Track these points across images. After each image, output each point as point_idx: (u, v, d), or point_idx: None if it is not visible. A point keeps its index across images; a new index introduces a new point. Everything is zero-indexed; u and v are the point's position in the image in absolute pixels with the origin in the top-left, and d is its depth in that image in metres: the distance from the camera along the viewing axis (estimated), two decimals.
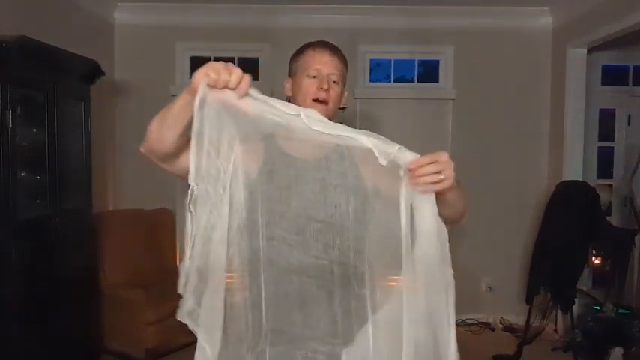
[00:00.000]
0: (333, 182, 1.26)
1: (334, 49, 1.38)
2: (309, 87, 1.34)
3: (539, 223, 3.92)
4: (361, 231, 1.24)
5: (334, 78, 1.35)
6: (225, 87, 1.02)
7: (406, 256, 1.08)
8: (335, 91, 1.35)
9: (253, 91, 1.04)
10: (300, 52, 1.41)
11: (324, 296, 1.23)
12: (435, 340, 1.11)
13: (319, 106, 1.31)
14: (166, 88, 4.38)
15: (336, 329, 1.23)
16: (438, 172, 1.05)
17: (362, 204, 1.25)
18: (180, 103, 1.07)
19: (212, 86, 1.02)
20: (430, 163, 1.06)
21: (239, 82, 1.02)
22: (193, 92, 1.03)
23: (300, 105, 1.26)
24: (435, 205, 1.08)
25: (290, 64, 1.42)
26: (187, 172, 1.10)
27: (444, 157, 1.06)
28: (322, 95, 1.32)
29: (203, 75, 1.02)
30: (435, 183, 1.06)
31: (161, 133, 1.14)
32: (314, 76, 1.34)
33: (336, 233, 1.23)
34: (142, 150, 1.21)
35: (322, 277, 1.23)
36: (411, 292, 1.10)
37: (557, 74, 4.23)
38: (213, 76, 1.01)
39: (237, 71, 1.02)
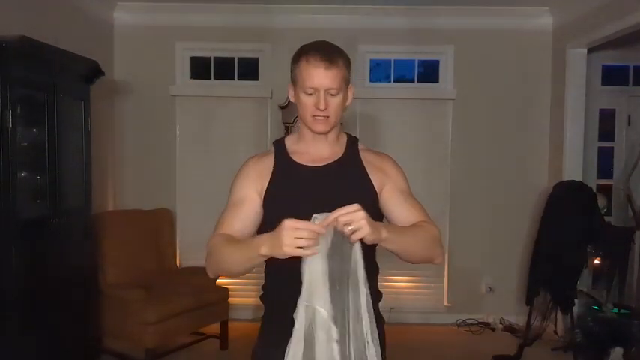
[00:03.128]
0: (343, 185, 1.38)
1: (330, 59, 1.32)
2: (308, 105, 1.35)
3: (539, 223, 3.92)
4: None
5: (332, 92, 1.34)
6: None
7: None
8: (335, 102, 1.35)
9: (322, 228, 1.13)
10: (296, 59, 1.38)
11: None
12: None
13: (320, 121, 1.36)
14: (166, 88, 4.39)
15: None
16: (349, 224, 1.11)
17: (372, 205, 1.35)
18: (254, 260, 1.20)
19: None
20: (336, 217, 1.12)
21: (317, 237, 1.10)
22: (274, 255, 1.14)
23: (302, 120, 1.41)
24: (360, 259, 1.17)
25: (291, 68, 1.40)
26: None
27: (350, 209, 1.11)
28: (320, 113, 1.34)
29: (289, 254, 1.10)
30: (352, 232, 1.12)
31: (229, 272, 1.33)
32: (310, 94, 1.34)
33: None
34: (210, 275, 1.38)
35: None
36: None
37: (557, 74, 4.23)
38: (307, 252, 1.10)
39: (309, 235, 1.09)
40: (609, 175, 4.58)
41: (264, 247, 1.14)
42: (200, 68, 4.52)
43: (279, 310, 1.26)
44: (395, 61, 4.55)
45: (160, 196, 4.32)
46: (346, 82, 1.37)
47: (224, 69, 4.50)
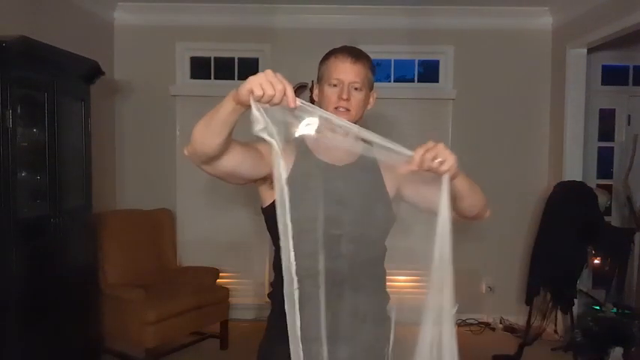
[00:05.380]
0: (359, 189, 1.36)
1: (357, 56, 1.41)
2: (331, 96, 1.38)
3: (538, 223, 3.92)
4: (380, 238, 1.39)
5: (356, 85, 1.38)
6: (270, 102, 1.04)
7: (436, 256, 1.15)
8: (357, 98, 1.39)
9: (298, 101, 1.08)
10: (325, 59, 1.45)
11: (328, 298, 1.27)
12: (440, 337, 1.15)
13: (342, 114, 1.35)
14: (166, 88, 4.38)
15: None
16: (436, 158, 1.13)
17: (385, 211, 1.38)
18: (225, 109, 1.10)
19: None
20: (426, 152, 1.13)
21: (283, 95, 1.04)
22: (238, 101, 1.06)
23: None
24: (449, 205, 1.17)
25: (318, 70, 1.47)
26: (227, 174, 1.26)
27: (429, 144, 1.14)
28: (343, 104, 1.37)
29: (247, 92, 1.04)
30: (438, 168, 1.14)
31: (205, 137, 1.16)
32: (335, 85, 1.38)
33: (357, 238, 1.33)
34: (185, 153, 1.22)
35: (334, 280, 1.29)
36: (433, 291, 1.16)
37: (557, 74, 4.23)
38: (257, 92, 1.02)
39: (279, 86, 1.03)
40: (609, 175, 4.58)
41: (235, 89, 1.08)
42: (200, 68, 4.52)
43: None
44: (395, 61, 4.54)
45: (160, 196, 4.32)
46: (370, 84, 1.43)
47: (224, 69, 4.50)
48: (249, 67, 4.47)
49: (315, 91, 1.47)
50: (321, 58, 1.48)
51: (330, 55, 1.44)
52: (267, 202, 1.39)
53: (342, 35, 4.56)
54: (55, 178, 3.02)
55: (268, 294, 1.46)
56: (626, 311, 3.51)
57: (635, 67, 4.49)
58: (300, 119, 1.10)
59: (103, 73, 3.41)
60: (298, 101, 1.07)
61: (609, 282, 3.78)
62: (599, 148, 4.54)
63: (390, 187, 1.42)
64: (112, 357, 3.56)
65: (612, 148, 4.58)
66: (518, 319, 4.24)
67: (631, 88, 4.52)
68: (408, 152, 1.13)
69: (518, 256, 4.33)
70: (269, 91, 1.02)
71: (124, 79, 4.37)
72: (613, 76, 4.54)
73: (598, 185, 4.39)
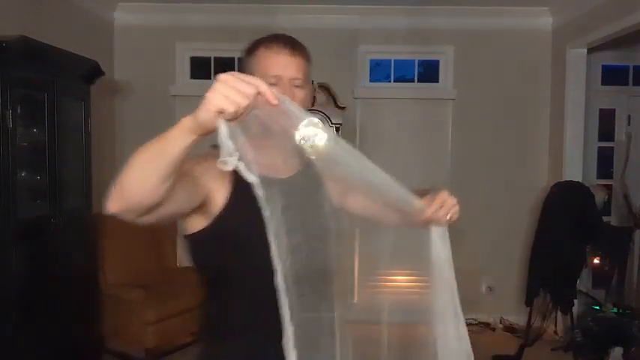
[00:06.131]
0: (306, 200, 1.16)
1: (293, 46, 1.16)
2: None
3: (536, 224, 3.92)
4: (326, 248, 1.17)
5: (298, 82, 1.15)
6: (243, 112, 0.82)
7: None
8: (300, 97, 1.15)
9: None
10: (252, 50, 1.20)
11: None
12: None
13: None
14: (166, 88, 4.38)
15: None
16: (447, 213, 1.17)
17: (332, 221, 1.18)
18: (178, 146, 0.85)
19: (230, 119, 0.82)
20: (441, 206, 1.16)
21: (255, 96, 0.82)
22: (200, 131, 0.83)
23: None
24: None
25: (243, 63, 1.22)
26: (168, 217, 1.00)
27: (446, 195, 1.17)
28: None
29: (214, 114, 0.80)
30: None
31: (146, 186, 0.88)
32: (273, 84, 1.11)
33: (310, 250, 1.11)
34: (111, 210, 0.90)
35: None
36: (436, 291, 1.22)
37: (557, 74, 4.23)
38: (230, 109, 0.79)
39: (249, 89, 0.80)
40: (609, 175, 4.58)
41: (189, 116, 0.83)
42: (200, 68, 4.52)
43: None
44: (395, 61, 4.54)
45: None
46: (308, 78, 1.20)
47: (224, 69, 4.46)
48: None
49: None
50: (246, 50, 1.23)
51: (259, 45, 1.18)
52: (195, 228, 1.13)
53: (342, 35, 4.58)
54: (55, 178, 3.02)
55: (202, 332, 1.24)
56: (626, 311, 3.51)
57: (635, 67, 4.49)
58: (293, 118, 0.88)
59: (103, 73, 3.41)
60: (278, 96, 0.85)
61: (609, 282, 3.78)
62: (599, 148, 4.54)
63: (334, 198, 1.22)
64: (112, 357, 3.56)
65: (612, 148, 4.58)
66: (518, 319, 4.24)
67: (631, 88, 4.52)
68: (413, 199, 1.13)
69: (518, 256, 4.32)
70: (242, 101, 0.79)
71: (124, 79, 4.37)
72: (613, 76, 4.54)
73: (598, 185, 4.40)
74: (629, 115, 4.52)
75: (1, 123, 2.56)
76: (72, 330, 3.09)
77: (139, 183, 0.88)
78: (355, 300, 1.43)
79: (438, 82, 4.51)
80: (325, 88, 4.05)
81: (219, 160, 0.84)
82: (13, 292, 2.67)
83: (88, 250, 3.35)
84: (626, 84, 4.53)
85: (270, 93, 0.82)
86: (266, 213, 0.93)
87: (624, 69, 4.54)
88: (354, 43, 4.31)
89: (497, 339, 4.11)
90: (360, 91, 4.36)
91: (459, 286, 1.16)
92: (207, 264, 1.15)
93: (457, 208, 1.16)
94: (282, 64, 1.14)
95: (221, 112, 0.79)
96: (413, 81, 4.56)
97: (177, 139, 0.85)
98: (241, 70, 1.19)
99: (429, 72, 4.58)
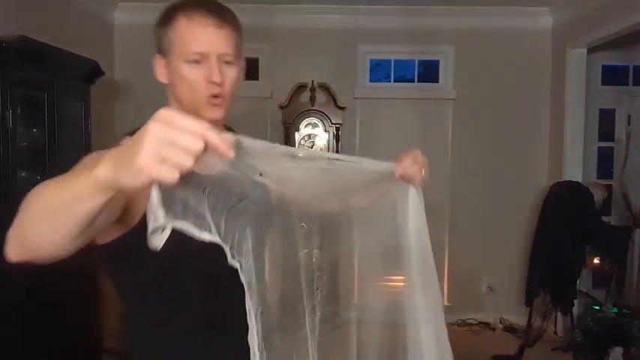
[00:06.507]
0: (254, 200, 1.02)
1: (220, 14, 0.99)
2: (195, 79, 0.96)
3: (536, 224, 3.92)
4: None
5: (228, 59, 0.98)
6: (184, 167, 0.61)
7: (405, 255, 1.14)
8: (231, 77, 0.99)
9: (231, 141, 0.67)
10: (167, 19, 0.98)
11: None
12: (437, 338, 1.13)
13: (215, 103, 0.98)
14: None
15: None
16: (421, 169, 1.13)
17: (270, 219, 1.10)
18: (90, 205, 0.68)
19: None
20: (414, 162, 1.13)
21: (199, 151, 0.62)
22: (117, 191, 0.66)
23: (191, 106, 0.98)
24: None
25: (157, 34, 1.01)
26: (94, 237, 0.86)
27: (418, 153, 1.15)
28: (217, 91, 0.97)
29: (145, 183, 0.61)
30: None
31: (50, 240, 0.75)
32: (197, 61, 0.96)
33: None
34: (12, 258, 0.75)
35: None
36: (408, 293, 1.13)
37: (557, 74, 4.23)
38: (168, 176, 0.60)
39: (189, 142, 0.60)
40: (609, 175, 4.58)
41: (106, 163, 0.65)
42: None
43: None
44: (395, 61, 4.55)
45: None
46: (240, 51, 1.03)
47: None
48: (249, 67, 4.45)
49: (160, 70, 1.02)
50: (160, 19, 1.01)
51: (177, 13, 0.97)
52: (111, 237, 0.96)
53: (342, 35, 4.57)
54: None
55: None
56: (626, 311, 3.51)
57: (635, 67, 4.49)
58: (247, 170, 0.75)
59: (103, 73, 3.41)
60: (231, 141, 0.66)
61: (609, 282, 3.78)
62: (599, 147, 4.54)
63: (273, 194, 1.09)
64: (112, 357, 3.56)
65: (612, 148, 4.58)
66: (518, 319, 4.24)
67: (631, 88, 4.52)
68: (385, 165, 1.11)
69: (518, 256, 4.32)
70: (184, 164, 0.60)
71: (124, 79, 4.36)
72: (613, 76, 4.54)
73: (598, 185, 4.40)
74: (629, 115, 4.52)
75: (1, 123, 2.56)
76: (72, 330, 3.09)
77: (40, 238, 0.72)
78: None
79: (438, 82, 4.51)
80: (325, 88, 4.05)
81: (149, 234, 0.69)
82: (13, 292, 2.66)
83: (88, 250, 3.34)
84: (626, 84, 4.54)
85: (222, 144, 0.63)
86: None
87: (624, 69, 4.54)
88: (354, 43, 4.31)
89: (498, 339, 4.11)
90: (360, 91, 4.36)
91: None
92: (133, 275, 1.00)
93: (428, 167, 1.13)
94: (208, 37, 0.96)
95: (155, 182, 0.63)
96: (413, 81, 4.56)
97: (88, 198, 0.67)
98: (157, 46, 1.01)
99: (429, 72, 4.58)
